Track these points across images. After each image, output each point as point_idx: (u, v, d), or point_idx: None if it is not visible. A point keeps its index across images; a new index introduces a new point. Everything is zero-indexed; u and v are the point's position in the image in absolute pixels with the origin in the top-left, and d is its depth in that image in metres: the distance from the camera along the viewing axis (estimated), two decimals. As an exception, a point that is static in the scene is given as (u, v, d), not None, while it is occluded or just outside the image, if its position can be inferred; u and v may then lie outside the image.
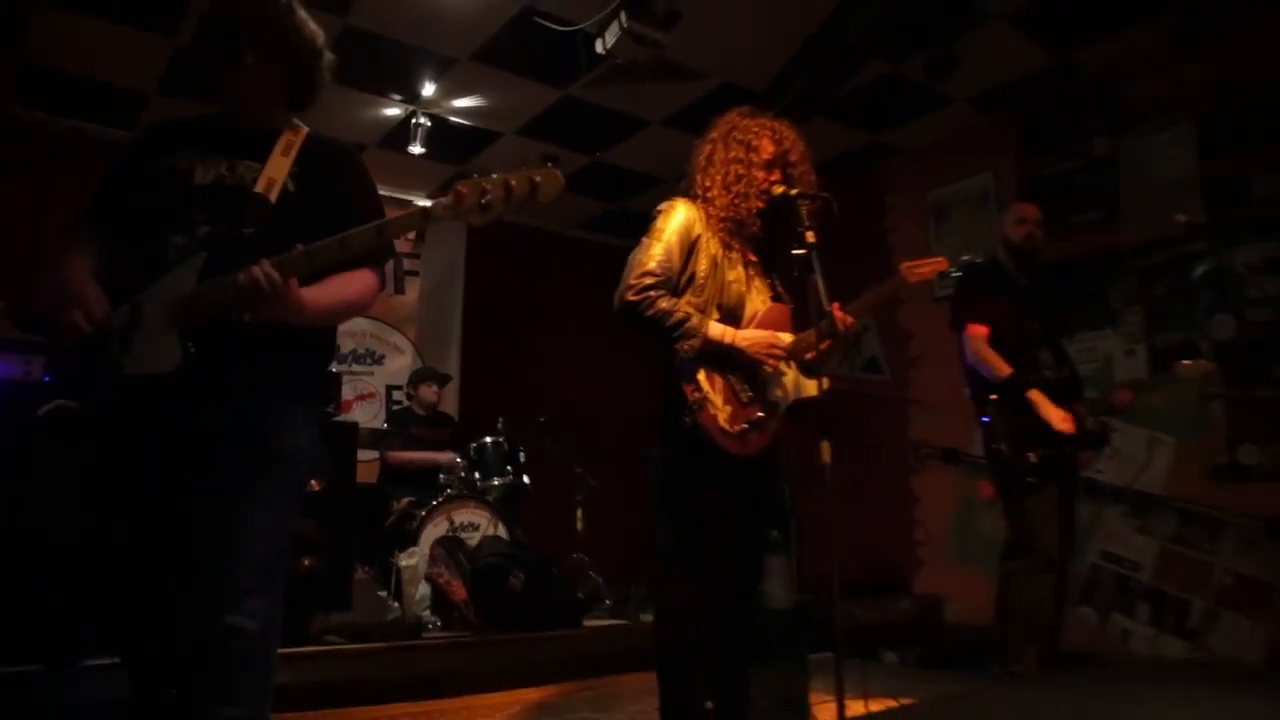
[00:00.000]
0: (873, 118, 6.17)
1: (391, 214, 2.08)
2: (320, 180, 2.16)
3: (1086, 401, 3.88)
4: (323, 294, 2.06)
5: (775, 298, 3.00)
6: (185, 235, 2.01)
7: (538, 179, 1.94)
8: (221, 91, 2.15)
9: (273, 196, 2.06)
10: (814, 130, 3.11)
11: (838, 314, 2.76)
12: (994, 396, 3.75)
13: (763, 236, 2.94)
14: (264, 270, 1.89)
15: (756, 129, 2.91)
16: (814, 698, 2.62)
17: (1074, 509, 3.91)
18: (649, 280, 2.73)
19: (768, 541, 2.89)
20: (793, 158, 2.92)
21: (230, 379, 1.99)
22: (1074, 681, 2.97)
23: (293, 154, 2.13)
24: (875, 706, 2.96)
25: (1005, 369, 3.71)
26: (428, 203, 2.02)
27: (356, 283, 2.15)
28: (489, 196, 1.93)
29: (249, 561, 1.93)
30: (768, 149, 2.89)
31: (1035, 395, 3.69)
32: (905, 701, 3.46)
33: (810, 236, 2.65)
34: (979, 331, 3.80)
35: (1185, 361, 3.97)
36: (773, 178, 2.87)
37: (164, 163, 2.08)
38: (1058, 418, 3.66)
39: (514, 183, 1.93)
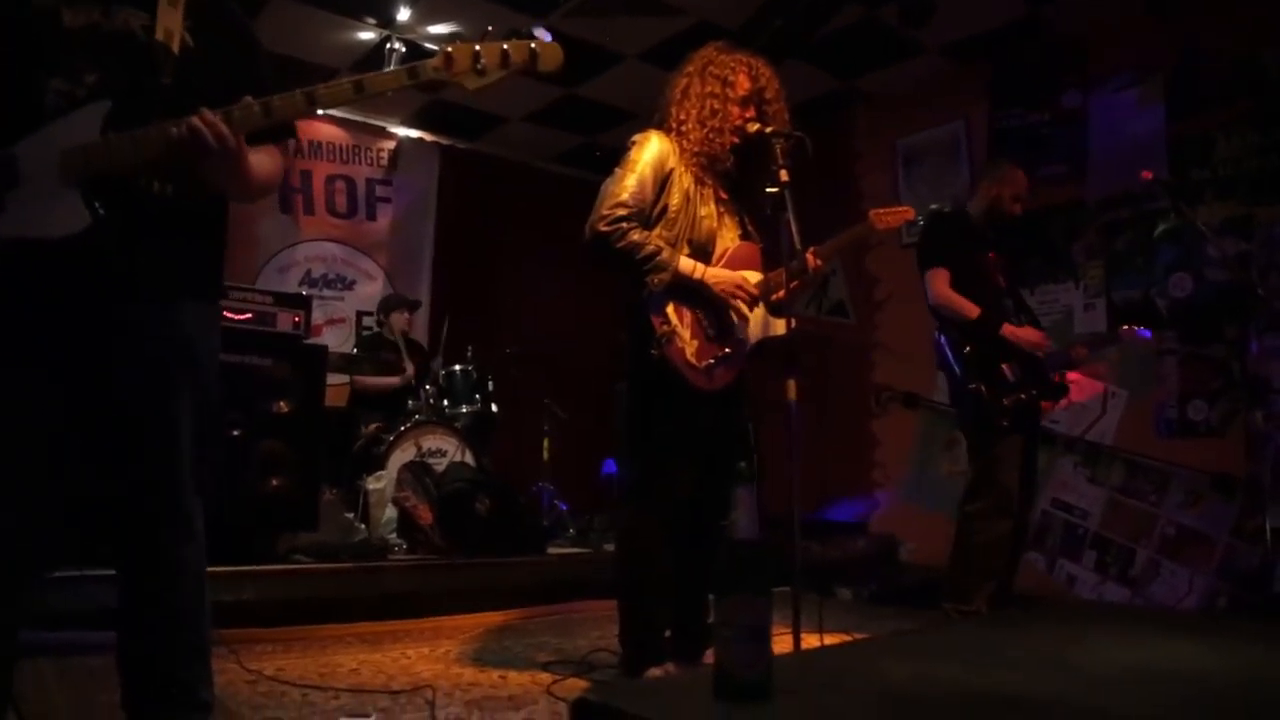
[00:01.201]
0: (846, 62, 6.14)
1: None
2: (216, 37, 1.91)
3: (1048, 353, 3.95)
4: (258, 164, 1.83)
5: (745, 235, 3.02)
6: (67, 81, 1.73)
7: (536, 48, 1.79)
8: None
9: (174, 48, 1.80)
10: (787, 72, 3.10)
11: (809, 257, 2.80)
12: (970, 342, 3.78)
13: (735, 173, 2.96)
14: (210, 120, 1.66)
15: (733, 64, 2.90)
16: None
17: (1036, 457, 3.98)
18: (621, 211, 2.74)
19: (735, 472, 2.97)
20: (768, 95, 2.92)
21: (144, 262, 1.76)
22: (1021, 620, 3.08)
23: (180, 6, 1.85)
24: (830, 640, 3.05)
25: (973, 309, 3.73)
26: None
27: (275, 159, 1.93)
28: (484, 61, 1.76)
29: (188, 486, 1.82)
30: (744, 85, 2.89)
31: (1008, 328, 3.73)
32: (858, 636, 3.57)
33: (784, 175, 2.66)
34: (941, 276, 3.82)
35: (1124, 327, 4.08)
36: (748, 114, 2.88)
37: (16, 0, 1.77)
38: (1034, 338, 3.73)
39: (512, 51, 1.78)
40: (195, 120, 1.65)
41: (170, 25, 1.81)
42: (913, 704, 1.55)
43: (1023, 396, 3.71)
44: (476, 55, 1.76)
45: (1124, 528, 5.05)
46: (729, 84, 2.88)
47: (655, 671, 2.78)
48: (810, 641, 2.66)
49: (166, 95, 1.74)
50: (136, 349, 1.76)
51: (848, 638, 3.44)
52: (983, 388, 3.72)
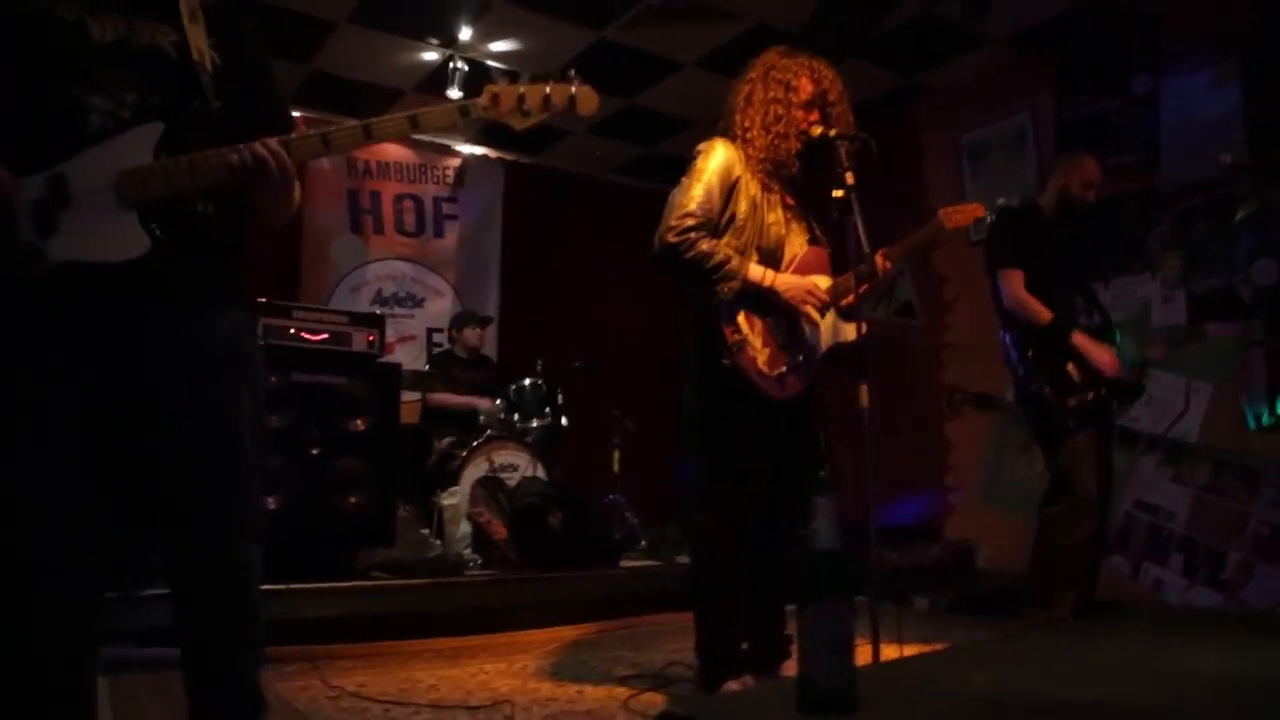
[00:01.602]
0: (907, 58, 6.07)
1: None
2: (240, 55, 1.92)
3: (1121, 351, 3.83)
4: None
5: (813, 240, 3.01)
6: (108, 100, 1.72)
7: (575, 93, 1.91)
8: None
9: (209, 68, 1.82)
10: (848, 71, 3.07)
11: (879, 259, 2.77)
12: (1034, 342, 3.69)
13: (800, 178, 2.94)
14: (274, 149, 1.72)
15: (795, 68, 2.88)
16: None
17: (1111, 457, 3.89)
18: (690, 221, 2.74)
19: (812, 481, 2.94)
20: (831, 98, 2.90)
21: (194, 277, 1.79)
22: (1106, 628, 3.01)
23: (201, 21, 1.84)
24: (909, 650, 3.00)
25: (1046, 314, 3.65)
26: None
27: (295, 182, 1.95)
28: (528, 104, 1.88)
29: (251, 490, 1.85)
30: (807, 89, 2.86)
31: (1079, 339, 3.64)
32: (938, 646, 3.51)
33: (850, 178, 2.64)
34: (1015, 277, 3.72)
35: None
36: (811, 118, 2.85)
37: (37, 4, 1.72)
38: (1104, 359, 3.62)
39: (553, 94, 1.90)
40: (261, 150, 1.71)
41: (199, 44, 1.82)
42: (996, 714, 1.53)
43: (1090, 397, 3.62)
44: (521, 97, 1.87)
45: (1213, 528, 4.87)
46: (792, 88, 2.86)
47: (733, 684, 2.75)
48: (890, 653, 2.62)
49: (214, 118, 1.77)
50: (195, 354, 1.77)
51: (927, 648, 3.38)
52: (1047, 389, 3.65)
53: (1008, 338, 3.82)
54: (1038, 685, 1.77)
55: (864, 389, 2.57)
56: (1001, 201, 4.73)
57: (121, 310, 1.70)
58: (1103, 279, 5.31)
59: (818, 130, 2.82)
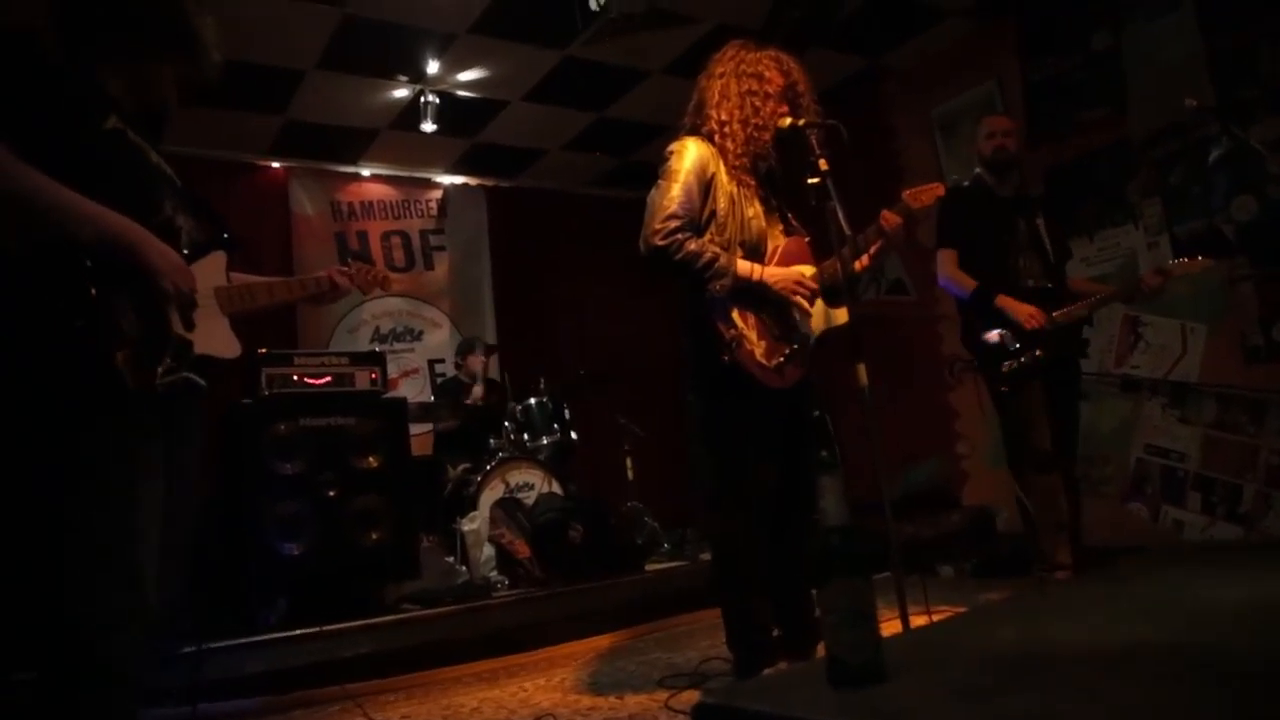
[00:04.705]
0: (869, 41, 6.14)
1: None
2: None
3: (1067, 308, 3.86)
4: None
5: (788, 230, 3.03)
6: (185, 221, 2.03)
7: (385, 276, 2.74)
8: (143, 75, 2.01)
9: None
10: (811, 60, 3.10)
11: (885, 216, 2.86)
12: (966, 315, 3.95)
13: (775, 170, 2.98)
14: (339, 277, 2.45)
15: (765, 61, 2.90)
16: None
17: (1072, 403, 3.99)
18: (674, 224, 2.74)
19: (817, 462, 2.97)
20: (800, 88, 2.92)
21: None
22: (1127, 572, 3.03)
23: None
24: (937, 618, 3.03)
25: (970, 283, 3.86)
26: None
27: None
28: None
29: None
30: (777, 80, 2.88)
31: (1002, 300, 3.78)
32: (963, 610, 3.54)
33: (823, 164, 2.66)
34: (948, 256, 3.98)
35: (1175, 261, 3.95)
36: (781, 110, 2.87)
37: (109, 122, 1.89)
38: (1024, 314, 3.73)
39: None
40: (340, 278, 2.45)
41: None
42: (1024, 665, 1.55)
43: (1022, 360, 3.75)
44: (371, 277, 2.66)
45: (1226, 464, 4.90)
46: (764, 80, 2.87)
47: (769, 672, 2.79)
48: (919, 622, 2.66)
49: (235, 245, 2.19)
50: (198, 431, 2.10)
51: (956, 614, 3.41)
52: (975, 360, 3.88)
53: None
54: (1063, 633, 1.80)
55: (861, 368, 2.60)
56: (953, 179, 4.75)
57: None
58: (1087, 233, 5.37)
59: (785, 121, 2.84)
